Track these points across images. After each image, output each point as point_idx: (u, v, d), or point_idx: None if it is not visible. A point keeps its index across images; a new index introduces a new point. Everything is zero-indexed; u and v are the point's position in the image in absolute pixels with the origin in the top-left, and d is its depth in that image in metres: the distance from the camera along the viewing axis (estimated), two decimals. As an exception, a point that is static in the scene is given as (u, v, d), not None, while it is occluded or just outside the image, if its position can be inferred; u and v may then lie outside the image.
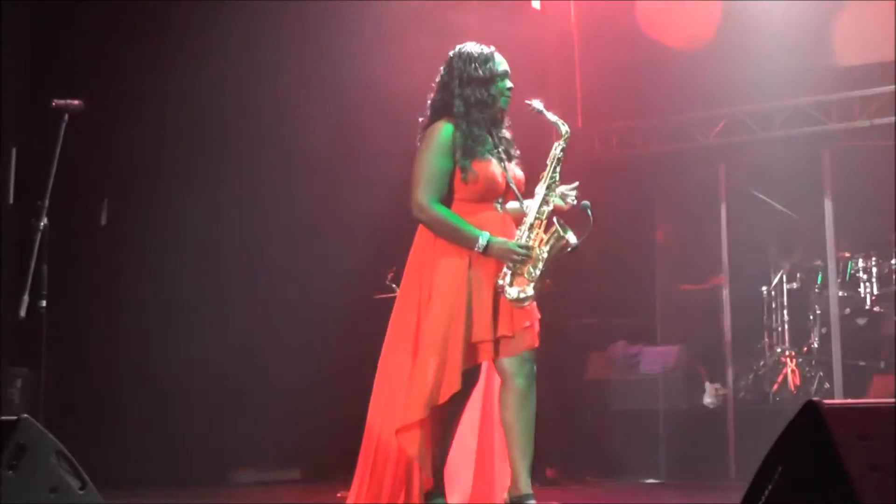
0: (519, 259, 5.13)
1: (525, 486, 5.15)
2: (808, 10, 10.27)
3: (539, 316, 5.36)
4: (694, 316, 9.99)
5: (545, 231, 5.22)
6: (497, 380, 5.34)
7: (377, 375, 5.37)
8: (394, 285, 8.71)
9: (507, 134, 5.49)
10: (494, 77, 5.37)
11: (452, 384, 5.08)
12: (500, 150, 5.38)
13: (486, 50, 5.43)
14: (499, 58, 5.43)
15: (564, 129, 5.37)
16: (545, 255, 5.15)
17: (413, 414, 5.10)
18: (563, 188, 5.39)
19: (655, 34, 10.32)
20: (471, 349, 5.15)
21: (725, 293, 8.89)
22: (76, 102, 6.27)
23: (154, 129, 9.17)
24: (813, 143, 9.90)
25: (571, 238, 5.15)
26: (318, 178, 9.61)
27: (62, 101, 6.26)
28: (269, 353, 9.46)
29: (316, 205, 9.69)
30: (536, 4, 9.86)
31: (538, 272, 5.15)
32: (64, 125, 6.23)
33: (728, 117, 11.09)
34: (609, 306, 10.20)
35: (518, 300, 5.14)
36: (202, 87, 9.17)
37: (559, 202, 5.36)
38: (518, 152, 5.53)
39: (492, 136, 5.38)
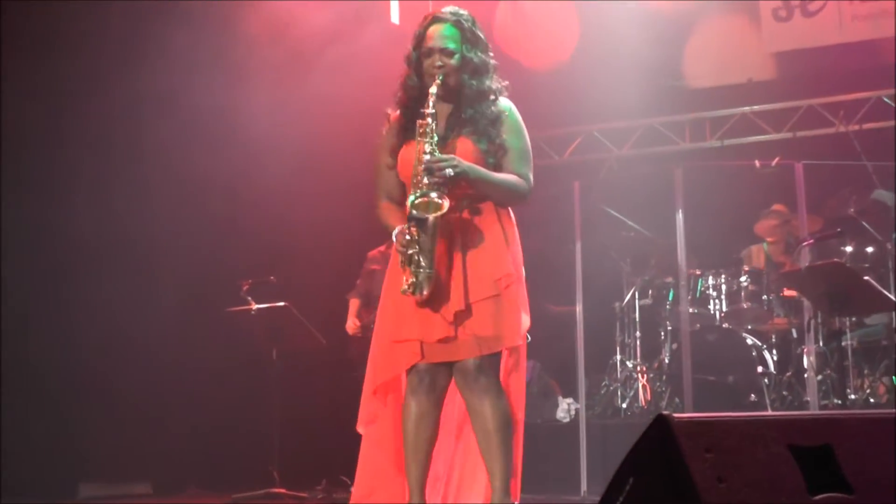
0: (400, 251, 4.60)
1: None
2: (663, 34, 10.51)
3: (528, 322, 4.83)
4: (547, 331, 10.07)
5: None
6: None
7: None
8: (249, 297, 8.64)
9: (469, 112, 4.74)
10: (417, 58, 4.76)
11: (377, 378, 4.83)
12: (442, 130, 4.75)
13: (425, 23, 4.79)
14: (430, 31, 4.74)
15: (433, 88, 4.65)
16: (415, 242, 4.55)
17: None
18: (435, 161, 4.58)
19: (513, 53, 10.43)
20: (401, 349, 4.72)
21: (578, 309, 8.93)
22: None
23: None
24: (666, 161, 10.11)
25: (438, 204, 4.52)
26: (174, 187, 9.50)
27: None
28: (120, 364, 9.30)
29: (172, 213, 9.57)
30: (395, 18, 9.88)
31: (412, 264, 4.57)
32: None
33: (583, 135, 11.29)
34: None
35: (405, 293, 4.60)
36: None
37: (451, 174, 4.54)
38: (495, 130, 4.76)
39: (437, 118, 4.69)
